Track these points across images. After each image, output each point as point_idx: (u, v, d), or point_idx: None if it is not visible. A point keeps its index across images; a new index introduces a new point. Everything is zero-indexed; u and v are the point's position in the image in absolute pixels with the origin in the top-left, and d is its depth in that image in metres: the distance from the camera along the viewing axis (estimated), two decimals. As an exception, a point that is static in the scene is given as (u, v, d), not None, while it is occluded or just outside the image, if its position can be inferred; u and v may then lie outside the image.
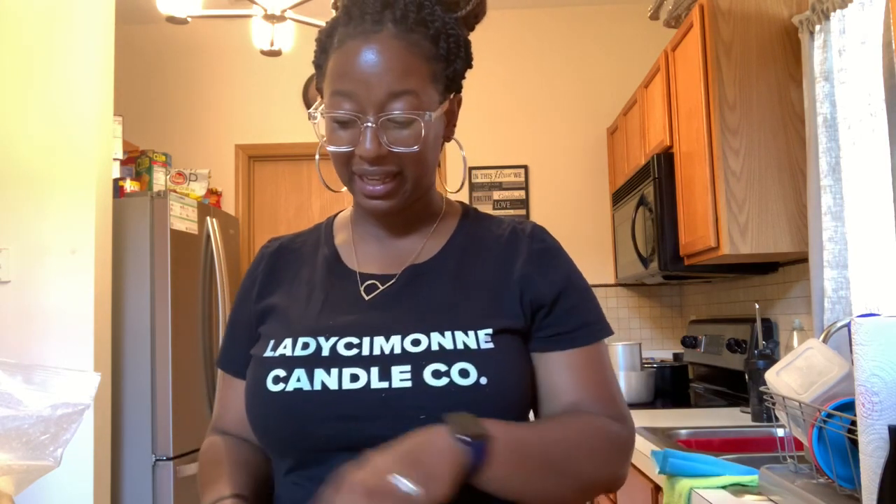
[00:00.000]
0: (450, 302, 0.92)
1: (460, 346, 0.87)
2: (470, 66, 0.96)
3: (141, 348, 3.04)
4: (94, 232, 2.68)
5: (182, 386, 3.11)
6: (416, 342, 0.88)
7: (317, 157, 1.01)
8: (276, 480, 0.93)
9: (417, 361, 0.86)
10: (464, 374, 0.84)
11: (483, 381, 0.84)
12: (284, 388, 0.87)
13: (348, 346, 0.89)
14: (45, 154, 2.69)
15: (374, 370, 0.86)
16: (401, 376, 0.85)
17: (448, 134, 0.97)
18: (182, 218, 3.19)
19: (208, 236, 3.39)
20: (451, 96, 0.94)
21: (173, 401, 3.03)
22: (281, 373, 0.88)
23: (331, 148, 0.90)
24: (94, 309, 2.66)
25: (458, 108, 0.98)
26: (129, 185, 3.19)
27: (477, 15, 0.98)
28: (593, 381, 0.93)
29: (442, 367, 0.85)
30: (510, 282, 0.94)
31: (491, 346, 0.88)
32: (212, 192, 3.82)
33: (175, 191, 3.48)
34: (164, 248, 3.07)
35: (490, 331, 0.89)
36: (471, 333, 0.88)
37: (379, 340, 0.88)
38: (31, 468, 0.76)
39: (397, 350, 0.87)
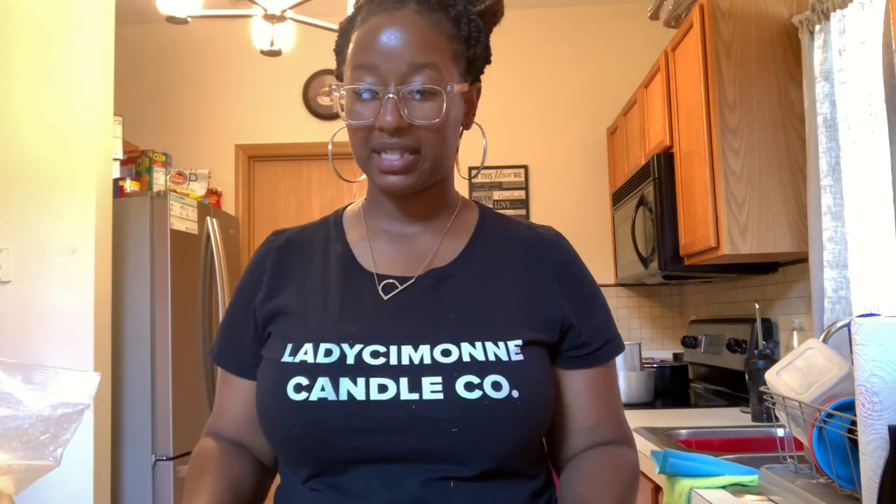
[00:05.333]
0: (478, 310, 0.90)
1: (491, 357, 0.85)
2: (489, 62, 0.96)
3: (141, 348, 3.04)
4: (94, 232, 2.68)
5: (182, 386, 3.11)
6: (446, 352, 0.85)
7: (329, 146, 1.01)
8: (292, 487, 0.90)
9: (449, 372, 0.84)
10: (496, 386, 0.83)
11: (515, 394, 0.83)
12: (307, 397, 0.83)
13: (374, 354, 0.86)
14: (45, 154, 2.69)
15: (404, 381, 0.83)
16: (432, 388, 0.83)
17: (467, 122, 0.97)
18: (182, 218, 3.19)
19: (208, 236, 3.39)
20: (471, 83, 0.94)
21: (173, 401, 3.03)
22: (303, 381, 0.84)
23: (350, 122, 0.89)
24: (94, 309, 2.66)
25: (478, 99, 0.98)
26: (129, 185, 3.19)
27: (496, 13, 0.98)
28: (609, 401, 0.97)
29: (475, 380, 0.83)
30: (537, 293, 0.94)
31: (521, 357, 0.86)
32: (212, 192, 3.82)
33: (175, 191, 3.48)
34: (164, 248, 3.07)
35: (520, 342, 0.88)
36: (501, 344, 0.87)
37: (407, 349, 0.86)
38: (31, 468, 0.76)
39: (427, 360, 0.85)
